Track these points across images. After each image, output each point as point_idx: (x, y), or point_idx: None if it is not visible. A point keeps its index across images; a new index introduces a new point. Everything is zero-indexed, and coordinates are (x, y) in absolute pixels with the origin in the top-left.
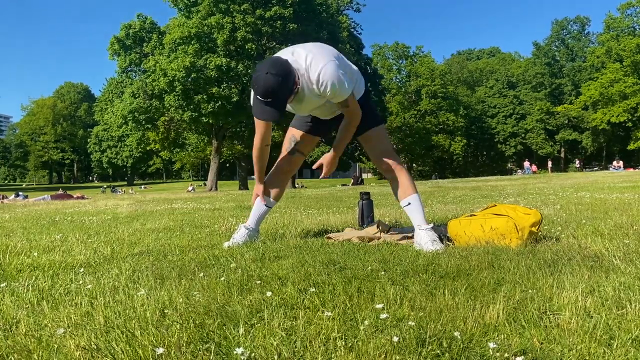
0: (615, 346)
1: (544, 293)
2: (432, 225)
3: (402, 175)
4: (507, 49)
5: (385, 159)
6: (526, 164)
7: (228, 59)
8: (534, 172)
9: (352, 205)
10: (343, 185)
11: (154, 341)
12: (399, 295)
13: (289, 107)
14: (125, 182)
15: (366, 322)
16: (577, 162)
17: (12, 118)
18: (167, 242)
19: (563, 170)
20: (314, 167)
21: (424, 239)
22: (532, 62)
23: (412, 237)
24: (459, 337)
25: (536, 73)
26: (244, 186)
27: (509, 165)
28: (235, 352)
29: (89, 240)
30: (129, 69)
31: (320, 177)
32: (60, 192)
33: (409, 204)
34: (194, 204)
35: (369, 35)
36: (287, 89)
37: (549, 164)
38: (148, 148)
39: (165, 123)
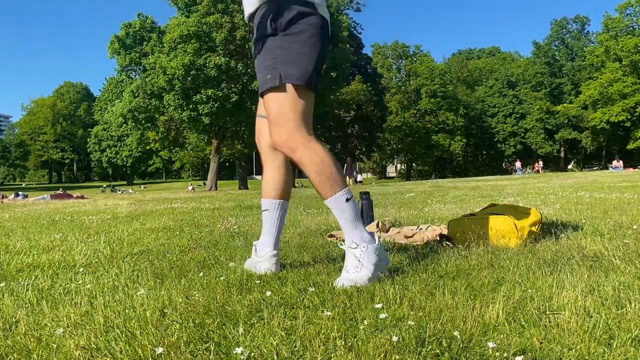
0: (614, 346)
1: (544, 292)
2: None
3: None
4: (507, 48)
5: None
6: (517, 164)
7: (227, 58)
8: (537, 172)
9: None
10: None
11: (154, 341)
12: (398, 294)
13: None
14: (125, 182)
15: (366, 322)
16: (539, 163)
17: (11, 117)
18: (167, 242)
19: (562, 169)
20: None
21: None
22: (532, 62)
23: (412, 237)
24: (458, 336)
25: (536, 72)
26: (244, 186)
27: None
28: (234, 352)
29: (89, 239)
30: (129, 67)
31: None
32: (60, 191)
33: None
34: (194, 204)
35: (369, 34)
36: None
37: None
38: (148, 147)
39: (165, 122)
